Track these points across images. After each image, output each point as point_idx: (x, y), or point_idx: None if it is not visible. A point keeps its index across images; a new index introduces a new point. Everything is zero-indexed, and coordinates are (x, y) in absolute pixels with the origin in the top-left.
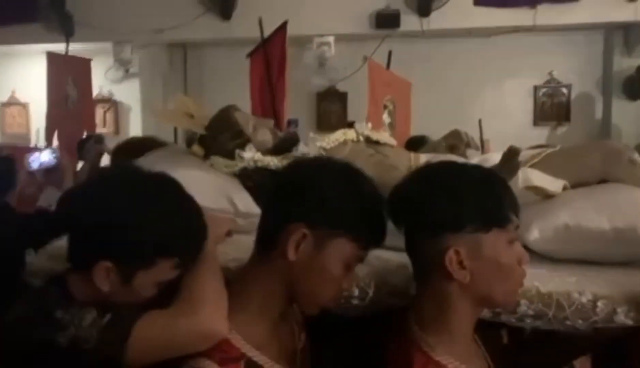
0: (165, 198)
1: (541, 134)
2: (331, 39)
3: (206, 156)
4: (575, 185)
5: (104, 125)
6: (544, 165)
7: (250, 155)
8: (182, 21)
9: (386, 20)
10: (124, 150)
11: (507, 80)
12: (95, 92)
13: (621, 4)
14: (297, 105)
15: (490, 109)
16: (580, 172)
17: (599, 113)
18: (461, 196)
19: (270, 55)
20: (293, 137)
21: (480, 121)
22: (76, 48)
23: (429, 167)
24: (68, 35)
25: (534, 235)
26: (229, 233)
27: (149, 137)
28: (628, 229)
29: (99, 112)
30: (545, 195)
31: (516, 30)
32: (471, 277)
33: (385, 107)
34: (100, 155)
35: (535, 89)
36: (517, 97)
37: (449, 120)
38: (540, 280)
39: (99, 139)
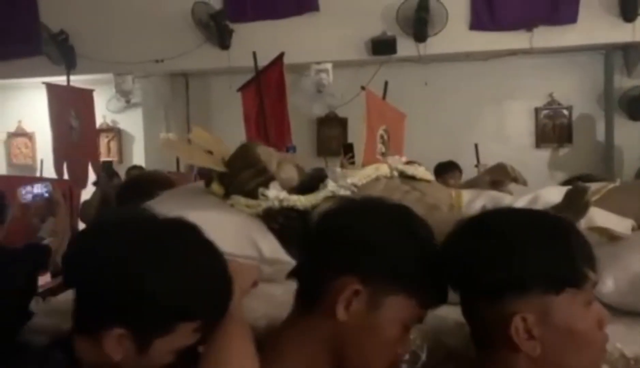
0: (187, 253)
1: (543, 157)
2: (329, 66)
3: (226, 195)
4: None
5: (108, 154)
6: (605, 202)
7: (274, 193)
8: (181, 51)
9: (383, 47)
10: (132, 188)
11: (506, 103)
12: (99, 121)
13: (619, 25)
14: (295, 132)
15: (490, 132)
16: None
17: (601, 134)
18: (526, 252)
19: (265, 86)
20: (320, 173)
21: (476, 146)
22: (78, 79)
23: (484, 217)
24: (69, 67)
25: (608, 286)
26: (254, 284)
27: (159, 172)
28: None
29: (103, 141)
30: (611, 237)
31: (514, 53)
32: (542, 348)
33: (381, 137)
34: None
35: (536, 111)
36: (518, 119)
37: (448, 145)
38: (622, 340)
39: (109, 167)
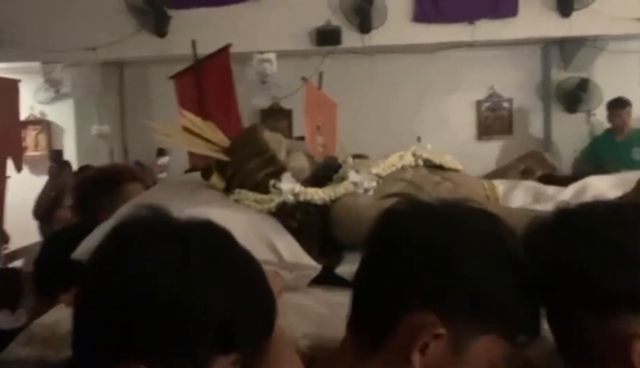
0: (223, 265)
1: (485, 148)
2: (272, 55)
3: (227, 189)
4: None
5: (36, 147)
6: None
7: (289, 186)
8: (115, 38)
9: (327, 37)
10: (98, 181)
11: (450, 95)
12: (26, 112)
13: (556, 20)
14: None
15: (434, 123)
16: None
17: (539, 125)
18: None
19: (207, 76)
20: (333, 163)
21: (419, 138)
22: (3, 67)
23: (579, 213)
24: None
25: None
26: (279, 294)
27: (123, 165)
28: None
29: (31, 133)
30: None
31: (457, 46)
32: None
33: (318, 127)
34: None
35: (478, 103)
36: (461, 111)
37: (393, 136)
38: None
39: (58, 157)
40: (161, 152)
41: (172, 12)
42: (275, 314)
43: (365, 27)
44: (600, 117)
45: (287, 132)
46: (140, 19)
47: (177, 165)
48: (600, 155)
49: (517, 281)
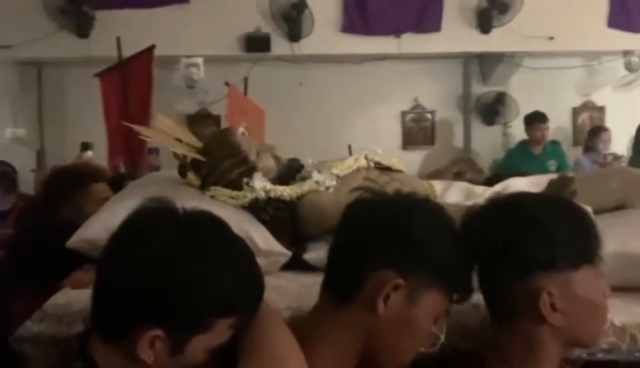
0: (225, 247)
1: (409, 157)
2: (200, 60)
3: (202, 186)
4: (595, 212)
5: None
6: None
7: (261, 184)
8: (33, 37)
9: (256, 44)
10: (65, 179)
11: (377, 105)
12: None
13: (476, 36)
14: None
15: (362, 133)
16: (602, 198)
17: (459, 137)
18: (553, 231)
19: (130, 78)
20: (296, 164)
21: (350, 147)
22: None
23: (509, 199)
24: None
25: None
26: None
27: (93, 165)
28: None
29: None
30: None
31: (383, 57)
32: (564, 318)
33: (242, 134)
34: None
35: (403, 114)
36: (387, 122)
37: (323, 145)
38: (613, 312)
39: None
40: (85, 147)
41: (95, 13)
42: (263, 288)
43: (294, 35)
44: (516, 129)
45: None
46: (60, 18)
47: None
48: (516, 166)
49: (455, 249)
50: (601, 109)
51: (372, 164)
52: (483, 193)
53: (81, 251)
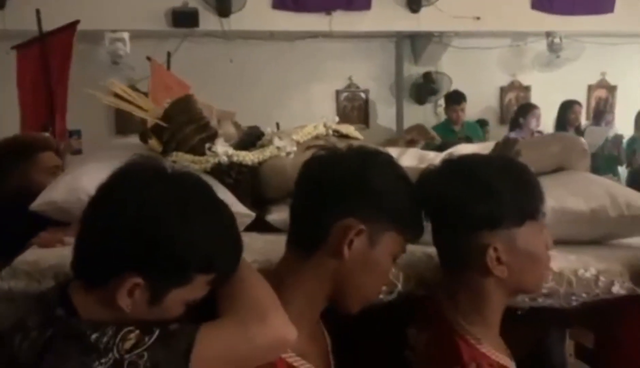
0: (208, 204)
1: None
2: (125, 35)
3: (164, 152)
4: (536, 174)
5: None
6: None
7: (223, 149)
8: None
9: (184, 19)
10: (12, 150)
11: (310, 84)
12: None
13: (407, 15)
14: (89, 108)
15: (296, 112)
16: (542, 161)
17: (392, 116)
18: (499, 192)
19: (52, 53)
20: (256, 131)
21: (277, 124)
22: None
23: (460, 161)
24: None
25: None
26: None
27: (37, 134)
28: (601, 209)
29: None
30: None
31: (315, 35)
32: (508, 271)
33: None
34: None
35: (337, 93)
36: (321, 101)
37: (255, 122)
38: (552, 260)
39: None
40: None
41: None
42: (242, 248)
43: (224, 10)
44: None
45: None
46: None
47: None
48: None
49: (408, 194)
50: (527, 89)
51: (330, 132)
52: (435, 158)
53: (45, 214)
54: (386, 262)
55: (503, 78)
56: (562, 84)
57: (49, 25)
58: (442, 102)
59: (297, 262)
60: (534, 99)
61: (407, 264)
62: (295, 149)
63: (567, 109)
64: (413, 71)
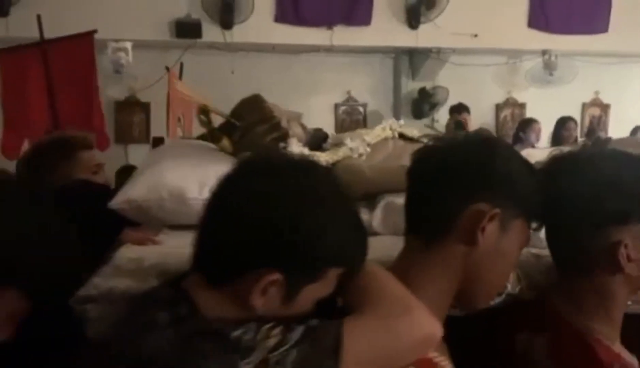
0: (340, 196)
1: None
2: (128, 44)
3: (234, 152)
4: None
5: None
6: None
7: (298, 149)
8: None
9: (187, 30)
10: (47, 147)
11: (311, 97)
12: None
13: (406, 31)
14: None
15: None
16: None
17: None
18: (628, 187)
19: (58, 59)
20: (321, 133)
21: None
22: None
23: (574, 158)
24: None
25: None
26: None
27: (78, 133)
28: None
29: None
30: None
31: (316, 49)
32: (637, 267)
33: (178, 119)
34: None
35: (336, 106)
36: (320, 113)
37: None
38: None
39: None
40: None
41: None
42: (367, 241)
43: (226, 22)
44: (443, 123)
45: (144, 127)
46: None
47: None
48: None
49: (533, 180)
50: (522, 106)
51: (396, 134)
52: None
53: (122, 213)
54: (515, 251)
55: (499, 95)
56: (556, 101)
57: (52, 33)
58: (438, 117)
59: (423, 253)
60: (529, 115)
61: (519, 266)
62: (368, 150)
63: (561, 126)
64: (411, 86)
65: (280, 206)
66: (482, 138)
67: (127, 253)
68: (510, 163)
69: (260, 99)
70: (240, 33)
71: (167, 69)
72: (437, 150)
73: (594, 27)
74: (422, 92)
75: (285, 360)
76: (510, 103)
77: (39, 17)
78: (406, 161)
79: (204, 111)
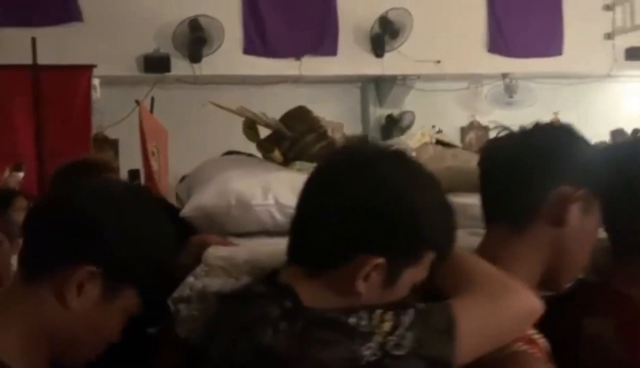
0: (428, 176)
1: None
2: (96, 81)
3: (284, 162)
4: None
5: None
6: None
7: None
8: None
9: (156, 64)
10: (71, 170)
11: None
12: None
13: (371, 60)
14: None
15: None
16: None
17: None
18: None
19: (49, 87)
20: (366, 140)
21: None
22: None
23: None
24: None
25: None
26: None
27: (99, 156)
28: None
29: None
30: None
31: (285, 80)
32: None
33: (152, 153)
34: None
35: None
36: None
37: None
38: None
39: None
40: (17, 168)
41: None
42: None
43: (195, 55)
44: None
45: (114, 163)
46: None
47: None
48: None
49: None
50: (485, 128)
51: (433, 140)
52: (471, 159)
53: (191, 221)
54: (596, 230)
55: (463, 118)
56: (518, 122)
57: None
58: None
59: (510, 237)
60: (485, 138)
61: None
62: (413, 154)
63: None
64: (379, 113)
65: (384, 190)
66: (557, 125)
67: (217, 252)
68: (589, 147)
69: (306, 110)
70: (209, 66)
71: (137, 102)
72: (513, 138)
73: (550, 50)
74: (389, 118)
75: (403, 342)
76: (474, 126)
77: (33, 40)
78: (448, 164)
79: (250, 125)
